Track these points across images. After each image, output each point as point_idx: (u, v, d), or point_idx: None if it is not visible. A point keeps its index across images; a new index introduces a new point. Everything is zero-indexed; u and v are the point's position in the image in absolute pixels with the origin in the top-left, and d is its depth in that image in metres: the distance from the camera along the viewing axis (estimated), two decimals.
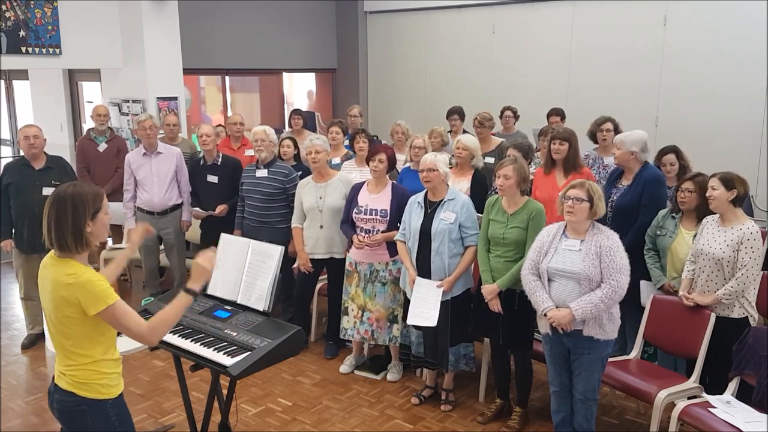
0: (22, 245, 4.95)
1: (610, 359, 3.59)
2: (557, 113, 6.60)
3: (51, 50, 6.65)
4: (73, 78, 8.78)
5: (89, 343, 2.40)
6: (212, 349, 2.98)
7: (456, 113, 6.63)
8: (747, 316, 3.64)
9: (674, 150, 4.70)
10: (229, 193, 5.38)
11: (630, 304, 3.87)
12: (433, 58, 9.01)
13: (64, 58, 6.80)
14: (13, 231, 4.98)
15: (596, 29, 7.47)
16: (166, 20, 7.04)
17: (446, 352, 4.05)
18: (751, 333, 3.50)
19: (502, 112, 6.65)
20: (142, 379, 4.60)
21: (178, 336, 3.12)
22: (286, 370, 4.71)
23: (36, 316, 5.25)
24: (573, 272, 3.30)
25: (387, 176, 4.52)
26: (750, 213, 5.18)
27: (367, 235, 4.36)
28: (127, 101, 7.28)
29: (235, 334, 3.08)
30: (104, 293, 2.33)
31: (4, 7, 6.26)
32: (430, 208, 4.03)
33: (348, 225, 4.50)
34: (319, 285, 5.08)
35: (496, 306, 3.80)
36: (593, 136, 5.58)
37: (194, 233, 5.76)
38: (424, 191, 4.11)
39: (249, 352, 2.92)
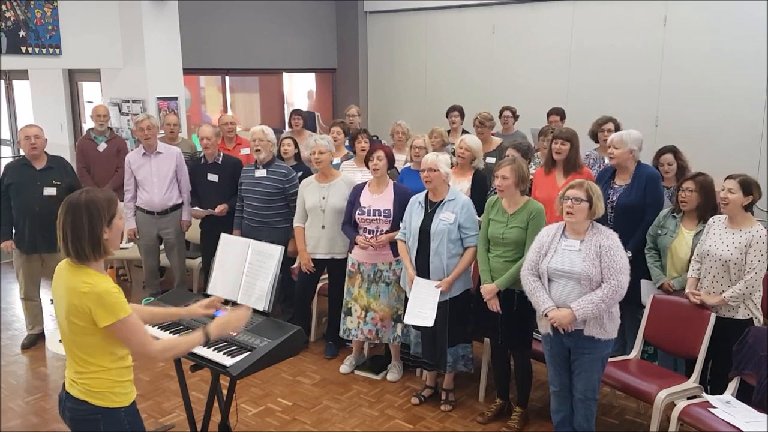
0: (23, 245, 4.95)
1: (610, 359, 3.59)
2: (557, 113, 6.60)
3: (51, 50, 6.65)
4: (73, 78, 8.78)
5: (100, 352, 2.36)
6: (212, 349, 2.98)
7: (456, 110, 6.63)
8: (751, 318, 3.64)
9: (672, 150, 4.71)
10: (230, 192, 5.38)
11: (630, 303, 3.87)
12: (433, 58, 9.01)
13: (64, 58, 6.80)
14: (14, 231, 4.98)
15: (596, 29, 7.47)
16: (166, 20, 7.03)
17: (444, 352, 4.05)
18: (751, 333, 3.50)
19: (500, 112, 6.65)
20: (142, 379, 4.60)
21: (178, 336, 3.11)
22: (286, 370, 4.72)
23: (36, 316, 5.25)
24: (573, 272, 3.30)
25: (388, 176, 4.52)
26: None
27: (371, 236, 4.35)
28: (127, 101, 7.28)
29: (234, 334, 3.07)
30: (117, 306, 2.28)
31: (4, 7, 6.26)
32: (431, 208, 4.03)
33: (350, 226, 4.50)
34: (319, 285, 5.09)
35: (495, 306, 3.81)
36: (594, 136, 5.59)
37: (194, 233, 5.76)
38: (425, 191, 4.12)
39: (249, 352, 2.92)
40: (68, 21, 6.72)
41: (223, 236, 3.61)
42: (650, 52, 7.08)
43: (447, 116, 6.69)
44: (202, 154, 5.57)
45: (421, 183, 4.16)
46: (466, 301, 4.08)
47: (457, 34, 8.70)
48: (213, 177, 5.42)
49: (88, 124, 7.85)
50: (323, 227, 4.69)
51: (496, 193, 4.01)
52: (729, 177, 3.69)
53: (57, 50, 6.69)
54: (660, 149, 4.80)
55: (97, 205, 2.31)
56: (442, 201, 4.01)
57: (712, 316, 3.64)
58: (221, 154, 5.50)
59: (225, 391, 3.36)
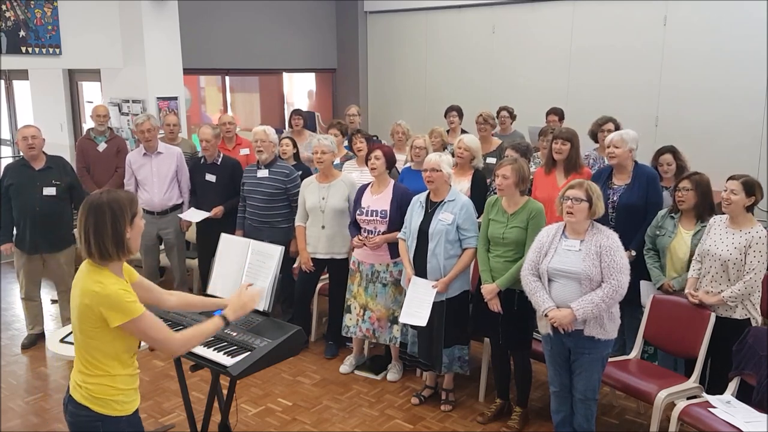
0: (23, 245, 4.96)
1: (610, 359, 3.59)
2: (555, 113, 6.60)
3: (51, 50, 6.65)
4: (73, 78, 8.78)
5: (105, 356, 2.35)
6: (212, 349, 2.98)
7: (454, 110, 6.63)
8: (749, 318, 3.64)
9: (671, 150, 4.71)
10: (227, 193, 5.38)
11: (629, 304, 3.87)
12: (433, 58, 9.01)
13: (64, 58, 6.79)
14: (15, 231, 4.98)
15: (596, 29, 7.46)
16: (166, 20, 7.03)
17: (440, 353, 4.05)
18: (751, 333, 3.50)
19: (498, 113, 6.65)
20: (142, 379, 4.57)
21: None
22: (286, 370, 4.72)
23: (36, 316, 5.25)
24: (573, 272, 3.30)
25: (388, 176, 4.52)
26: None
27: (367, 236, 4.36)
28: (127, 101, 7.27)
29: (235, 334, 3.08)
30: (128, 306, 2.28)
31: (4, 7, 6.26)
32: (431, 208, 4.04)
33: (353, 226, 4.51)
34: (319, 285, 5.09)
35: (495, 306, 3.81)
36: (594, 136, 5.59)
37: (194, 233, 5.76)
38: (427, 191, 4.12)
39: (249, 352, 2.92)
40: (68, 21, 6.72)
41: (223, 236, 3.62)
42: (650, 52, 7.08)
43: (445, 116, 6.69)
44: (201, 154, 5.57)
45: (421, 183, 4.16)
46: (463, 302, 4.08)
47: (457, 34, 8.69)
48: (211, 177, 5.42)
49: (88, 124, 7.85)
50: (323, 227, 4.69)
51: (496, 193, 4.01)
52: (732, 177, 3.68)
53: (57, 50, 6.69)
54: (659, 149, 4.80)
55: (120, 204, 2.32)
56: (442, 201, 4.01)
57: (712, 316, 3.64)
58: (220, 154, 5.50)
59: (225, 391, 3.36)
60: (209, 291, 3.49)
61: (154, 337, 2.36)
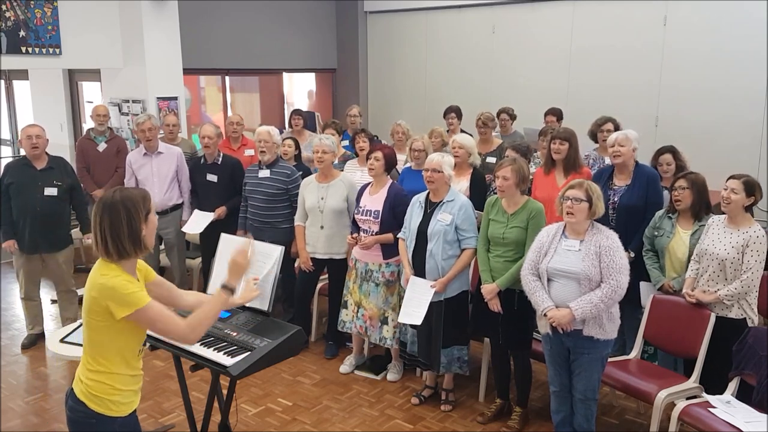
0: (23, 245, 4.95)
1: (610, 359, 3.59)
2: (554, 113, 6.61)
3: (51, 50, 6.65)
4: (73, 78, 8.78)
5: (111, 353, 2.35)
6: (212, 349, 2.98)
7: (453, 111, 6.63)
8: (745, 318, 3.64)
9: (671, 150, 4.71)
10: (229, 193, 5.38)
11: (629, 304, 3.87)
12: (433, 58, 9.01)
13: (64, 58, 6.79)
14: (14, 231, 4.97)
15: (596, 29, 7.46)
16: (166, 20, 7.03)
17: (438, 353, 4.05)
18: (751, 333, 3.50)
19: (498, 114, 6.65)
20: (143, 379, 4.59)
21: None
22: (286, 370, 4.72)
23: (36, 316, 5.25)
24: (573, 272, 3.30)
25: (387, 176, 4.52)
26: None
27: (359, 235, 4.37)
28: (127, 101, 7.27)
29: (235, 334, 3.08)
30: (132, 297, 2.28)
31: (4, 7, 6.26)
32: (430, 208, 4.04)
33: (354, 224, 4.54)
34: (319, 285, 5.09)
35: (495, 306, 3.81)
36: (594, 136, 5.59)
37: (194, 233, 5.75)
38: (427, 191, 4.12)
39: (249, 352, 2.92)
40: (68, 21, 6.72)
41: (223, 236, 3.62)
42: (650, 52, 7.08)
43: (444, 117, 6.68)
44: (202, 154, 5.57)
45: (421, 183, 4.16)
46: (462, 302, 4.08)
47: (457, 34, 8.69)
48: (212, 177, 5.43)
49: (88, 124, 7.86)
50: (322, 227, 4.70)
51: (495, 193, 4.01)
52: (732, 177, 3.69)
53: (57, 50, 6.69)
54: (659, 149, 4.80)
55: (134, 202, 2.33)
56: (441, 202, 4.01)
57: (712, 316, 3.64)
58: (221, 154, 5.50)
59: (225, 391, 3.36)
60: (209, 291, 3.49)
61: (162, 328, 2.35)
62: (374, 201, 4.41)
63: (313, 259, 4.78)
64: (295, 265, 5.08)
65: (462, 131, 6.43)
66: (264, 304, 3.25)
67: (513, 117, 6.74)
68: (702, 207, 3.95)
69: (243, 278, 2.72)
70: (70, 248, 5.17)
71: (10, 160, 6.36)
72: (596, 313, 3.26)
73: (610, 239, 3.31)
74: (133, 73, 7.17)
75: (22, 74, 9.40)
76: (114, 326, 2.30)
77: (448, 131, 6.46)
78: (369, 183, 4.55)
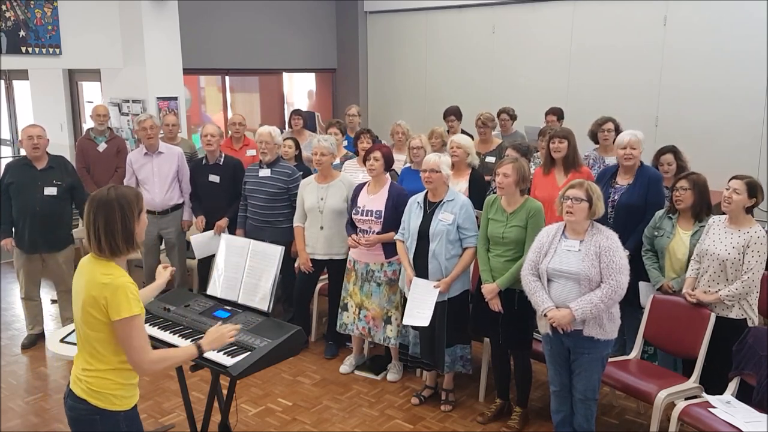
0: (23, 245, 4.95)
1: (610, 359, 3.59)
2: (554, 113, 6.61)
3: (51, 50, 6.65)
4: (73, 78, 8.78)
5: (109, 349, 2.36)
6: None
7: (452, 114, 6.62)
8: (745, 318, 3.64)
9: (672, 150, 4.71)
10: (231, 194, 5.38)
11: (629, 304, 3.87)
12: (433, 58, 9.01)
13: (64, 58, 6.79)
14: (14, 230, 4.98)
15: (596, 29, 7.46)
16: (166, 20, 7.03)
17: (442, 353, 4.05)
18: (751, 333, 3.50)
19: (498, 115, 6.65)
20: (142, 379, 4.55)
21: (178, 336, 3.12)
22: (286, 370, 4.72)
23: (36, 316, 5.25)
24: (573, 272, 3.30)
25: (387, 176, 4.52)
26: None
27: (362, 236, 4.36)
28: (127, 101, 7.28)
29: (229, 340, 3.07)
30: (132, 302, 2.30)
31: (4, 7, 6.26)
32: (430, 208, 4.03)
33: (350, 225, 4.51)
34: (319, 285, 5.09)
35: (496, 305, 3.81)
36: (594, 136, 5.59)
37: (194, 233, 5.76)
38: (425, 191, 4.12)
39: (249, 352, 2.92)
40: (68, 21, 6.72)
41: (224, 236, 3.62)
42: (650, 52, 7.08)
43: (444, 119, 6.67)
44: (200, 155, 5.56)
45: (421, 183, 4.15)
46: (464, 301, 4.08)
47: (457, 34, 8.69)
48: (214, 178, 5.42)
49: (88, 124, 7.86)
50: (321, 228, 4.69)
51: (495, 192, 4.01)
52: (735, 177, 3.68)
53: (57, 50, 6.69)
54: (660, 149, 4.80)
55: (128, 200, 2.36)
56: (441, 201, 4.01)
57: (712, 316, 3.64)
58: (222, 155, 5.50)
59: (225, 391, 3.36)
60: (209, 291, 3.49)
61: (135, 345, 2.32)
62: (375, 201, 4.41)
63: (313, 260, 4.77)
64: (295, 265, 5.08)
65: (462, 131, 6.43)
66: (264, 304, 3.25)
67: (513, 117, 6.74)
68: (703, 208, 3.95)
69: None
70: (71, 248, 5.17)
71: (11, 160, 6.36)
72: (596, 314, 3.26)
73: (610, 239, 3.30)
74: (133, 73, 7.17)
75: (22, 74, 9.40)
76: (111, 322, 2.32)
77: (448, 132, 6.46)
78: (365, 183, 4.54)
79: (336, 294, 4.74)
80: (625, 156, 4.34)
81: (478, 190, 4.69)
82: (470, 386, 4.44)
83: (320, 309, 5.26)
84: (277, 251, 3.30)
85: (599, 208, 3.32)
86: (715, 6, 6.61)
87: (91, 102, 8.28)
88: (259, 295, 3.28)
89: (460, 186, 4.66)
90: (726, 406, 3.32)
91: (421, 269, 4.03)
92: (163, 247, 5.81)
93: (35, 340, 5.19)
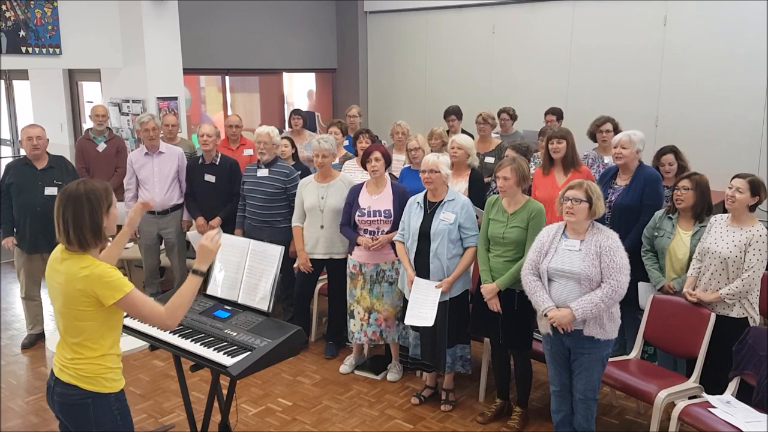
0: (24, 245, 4.96)
1: (610, 359, 3.59)
2: (553, 113, 6.61)
3: (51, 50, 6.65)
4: (73, 78, 8.78)
5: (99, 336, 2.45)
6: (212, 349, 2.98)
7: (453, 113, 6.63)
8: (746, 317, 3.64)
9: (673, 150, 4.71)
10: (227, 193, 5.38)
11: (628, 304, 3.87)
12: (433, 58, 9.01)
13: (64, 58, 6.80)
14: (15, 230, 4.98)
15: (596, 29, 7.46)
16: (166, 20, 7.03)
17: (443, 353, 4.05)
18: (750, 333, 3.50)
19: (498, 114, 6.66)
20: (142, 379, 4.60)
21: (178, 336, 3.12)
22: (286, 370, 4.72)
23: (36, 316, 5.25)
24: (573, 272, 3.30)
25: (387, 176, 4.52)
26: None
27: (373, 237, 4.35)
28: (127, 101, 7.28)
29: (235, 334, 3.08)
30: (119, 282, 2.38)
31: (4, 7, 6.26)
32: (430, 208, 4.03)
33: (348, 227, 4.49)
34: (319, 285, 5.09)
35: (495, 306, 3.81)
36: (593, 136, 5.59)
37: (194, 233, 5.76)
38: (424, 192, 4.11)
39: (249, 352, 2.92)
40: (68, 21, 6.72)
41: (224, 236, 3.61)
42: (650, 52, 7.08)
43: (444, 119, 6.68)
44: (199, 155, 5.56)
45: (420, 183, 4.15)
46: (464, 301, 4.08)
47: (457, 34, 8.69)
48: (210, 178, 5.42)
49: (88, 124, 7.86)
50: (322, 227, 4.69)
51: (495, 193, 4.01)
52: (737, 176, 3.69)
53: (57, 50, 6.69)
54: (661, 149, 4.80)
55: (97, 194, 2.42)
56: (441, 201, 4.01)
57: (712, 316, 3.64)
58: (219, 154, 5.50)
59: (225, 391, 3.36)
60: (209, 291, 3.49)
61: (144, 313, 2.44)
62: (380, 201, 4.40)
63: (313, 260, 4.77)
64: (294, 266, 5.08)
65: (463, 131, 6.44)
66: (264, 304, 3.25)
67: (514, 117, 6.75)
68: (704, 208, 3.95)
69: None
70: None
71: (11, 160, 6.36)
72: (597, 313, 3.26)
73: (610, 239, 3.31)
74: (133, 73, 7.17)
75: (22, 74, 9.40)
76: (101, 312, 2.40)
77: (448, 131, 6.47)
78: (361, 184, 4.53)
79: (335, 293, 4.74)
80: (615, 155, 4.39)
81: (478, 191, 4.69)
82: (470, 386, 4.44)
83: (320, 309, 5.26)
84: (277, 251, 3.30)
85: (599, 207, 3.32)
86: (715, 6, 6.61)
87: (91, 102, 8.28)
88: (259, 295, 3.28)
89: (459, 186, 4.65)
90: (726, 406, 3.32)
91: (422, 269, 4.03)
92: (163, 247, 5.82)
93: (35, 340, 5.20)
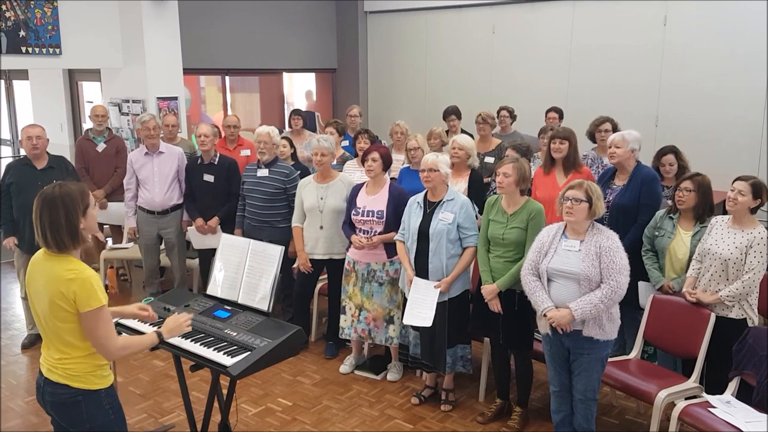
0: (24, 245, 4.95)
1: (610, 359, 3.59)
2: (555, 110, 6.61)
3: (51, 50, 6.65)
4: (73, 78, 8.79)
5: (82, 336, 2.47)
6: (212, 349, 2.98)
7: (452, 113, 6.63)
8: (745, 318, 3.64)
9: (673, 150, 4.71)
10: (225, 193, 5.38)
11: (628, 304, 3.87)
12: (433, 58, 9.01)
13: (64, 58, 6.80)
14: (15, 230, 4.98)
15: (596, 29, 7.47)
16: (166, 20, 7.04)
17: (443, 353, 4.05)
18: (750, 333, 3.50)
19: (498, 112, 6.66)
20: (142, 379, 4.60)
21: (178, 336, 3.11)
22: (286, 370, 4.72)
23: None
24: (573, 273, 3.30)
25: (386, 176, 4.52)
26: None
27: (365, 236, 4.36)
28: (127, 101, 7.28)
29: (235, 334, 3.08)
30: (99, 294, 2.41)
31: (4, 7, 6.26)
32: (430, 208, 4.03)
33: (348, 226, 4.50)
34: (319, 285, 5.09)
35: (495, 306, 3.81)
36: (592, 137, 5.59)
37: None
38: (424, 191, 4.12)
39: (249, 352, 2.92)
40: (68, 21, 6.72)
41: (224, 236, 3.62)
42: (650, 51, 7.08)
43: (444, 119, 6.68)
44: (198, 155, 5.56)
45: (419, 183, 4.16)
46: (464, 301, 4.08)
47: (457, 34, 8.70)
48: (209, 177, 5.42)
49: (88, 124, 7.86)
50: (321, 228, 4.69)
51: (494, 193, 4.01)
52: (740, 178, 3.68)
53: (57, 50, 6.69)
54: (661, 149, 4.79)
55: (72, 197, 2.44)
56: (441, 201, 4.01)
57: (712, 316, 3.64)
58: (217, 154, 5.50)
59: (225, 391, 3.36)
60: (209, 291, 3.49)
61: (102, 334, 2.45)
62: (375, 201, 4.40)
63: (312, 260, 4.77)
64: (294, 266, 5.09)
65: (462, 131, 6.44)
66: (264, 304, 3.25)
67: (513, 116, 6.75)
68: (705, 209, 3.95)
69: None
70: None
71: (11, 160, 6.36)
72: (596, 314, 3.26)
73: (610, 240, 3.30)
74: (133, 73, 7.18)
75: (22, 74, 9.41)
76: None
77: (447, 132, 6.47)
78: (362, 184, 4.54)
79: (335, 294, 4.74)
80: (609, 155, 4.42)
81: (477, 191, 4.69)
82: (470, 386, 4.44)
83: (320, 309, 5.26)
84: (277, 251, 3.30)
85: (599, 208, 3.32)
86: (715, 6, 6.61)
87: (91, 102, 8.29)
88: (259, 295, 3.29)
89: (459, 186, 4.65)
90: (726, 406, 3.32)
91: (421, 269, 4.03)
92: (163, 246, 5.82)
93: (35, 340, 5.19)
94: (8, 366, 4.85)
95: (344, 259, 4.64)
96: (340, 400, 4.35)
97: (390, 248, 4.35)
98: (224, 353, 2.94)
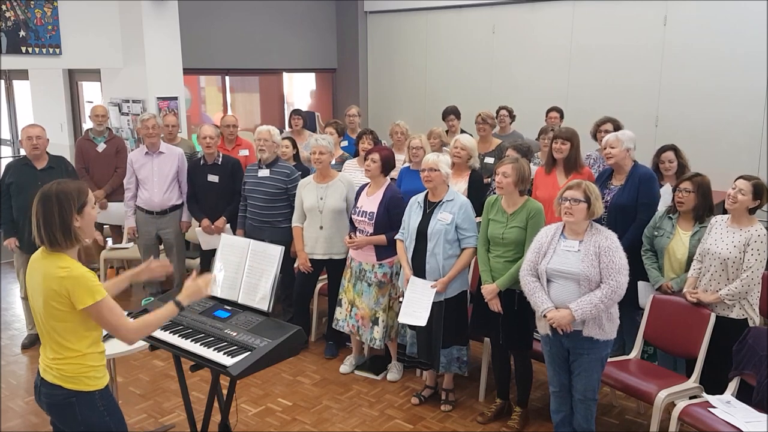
0: (24, 245, 4.95)
1: (609, 359, 3.59)
2: (557, 110, 6.60)
3: (51, 50, 6.65)
4: (73, 78, 8.79)
5: (76, 336, 2.46)
6: (212, 349, 2.98)
7: (452, 113, 6.62)
8: (746, 318, 3.64)
9: (673, 148, 4.71)
10: (229, 193, 5.38)
11: (627, 304, 3.87)
12: (433, 58, 9.01)
13: (64, 58, 6.80)
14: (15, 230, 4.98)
15: (596, 29, 7.47)
16: (166, 20, 7.04)
17: (438, 353, 4.05)
18: (750, 333, 3.50)
19: (497, 112, 6.66)
20: (142, 379, 4.60)
21: (178, 336, 3.12)
22: (286, 370, 4.72)
23: None
24: (572, 273, 3.30)
25: (385, 177, 4.52)
26: None
27: (354, 236, 4.39)
28: (127, 101, 7.28)
29: (235, 334, 3.08)
30: (94, 289, 2.40)
31: (4, 7, 6.26)
32: (429, 208, 4.04)
33: (351, 224, 4.53)
34: (319, 285, 5.09)
35: (495, 306, 3.81)
36: (596, 137, 5.58)
37: (193, 233, 5.76)
38: (425, 191, 4.12)
39: (249, 352, 2.92)
40: (68, 21, 6.72)
41: (224, 236, 3.62)
42: (650, 51, 7.09)
43: (443, 119, 6.68)
44: (201, 155, 5.56)
45: (419, 183, 4.16)
46: (462, 302, 4.07)
47: (457, 34, 8.70)
48: (213, 178, 5.41)
49: (88, 124, 7.86)
50: (321, 228, 4.69)
51: (494, 193, 4.01)
52: (742, 177, 3.68)
53: (57, 50, 6.69)
54: (661, 147, 4.80)
55: (68, 194, 2.43)
56: (440, 201, 4.01)
57: (712, 316, 3.64)
58: (221, 154, 5.50)
59: (225, 391, 3.36)
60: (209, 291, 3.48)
61: (112, 323, 2.45)
62: (370, 202, 4.41)
63: (312, 260, 4.77)
64: (294, 266, 5.09)
65: (463, 131, 6.43)
66: (264, 304, 3.25)
67: (513, 116, 6.74)
68: (705, 210, 3.95)
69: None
70: None
71: (11, 160, 6.36)
72: (596, 314, 3.26)
73: (609, 240, 3.30)
74: (133, 73, 7.18)
75: (22, 74, 9.40)
76: (78, 312, 2.41)
77: (447, 131, 6.46)
78: (368, 183, 4.55)
79: (335, 294, 4.74)
80: (605, 155, 4.43)
81: (477, 192, 4.68)
82: (470, 386, 4.44)
83: (320, 309, 5.26)
84: (277, 251, 3.30)
85: (598, 208, 3.32)
86: (715, 6, 6.62)
87: (91, 102, 8.29)
88: (259, 295, 3.28)
89: (459, 186, 4.65)
90: (726, 406, 3.32)
91: (418, 268, 4.03)
92: (162, 247, 5.82)
93: (35, 340, 5.18)
94: (8, 366, 4.85)
95: (344, 259, 4.66)
96: (340, 400, 4.35)
97: (380, 250, 4.36)
98: (224, 353, 2.93)
